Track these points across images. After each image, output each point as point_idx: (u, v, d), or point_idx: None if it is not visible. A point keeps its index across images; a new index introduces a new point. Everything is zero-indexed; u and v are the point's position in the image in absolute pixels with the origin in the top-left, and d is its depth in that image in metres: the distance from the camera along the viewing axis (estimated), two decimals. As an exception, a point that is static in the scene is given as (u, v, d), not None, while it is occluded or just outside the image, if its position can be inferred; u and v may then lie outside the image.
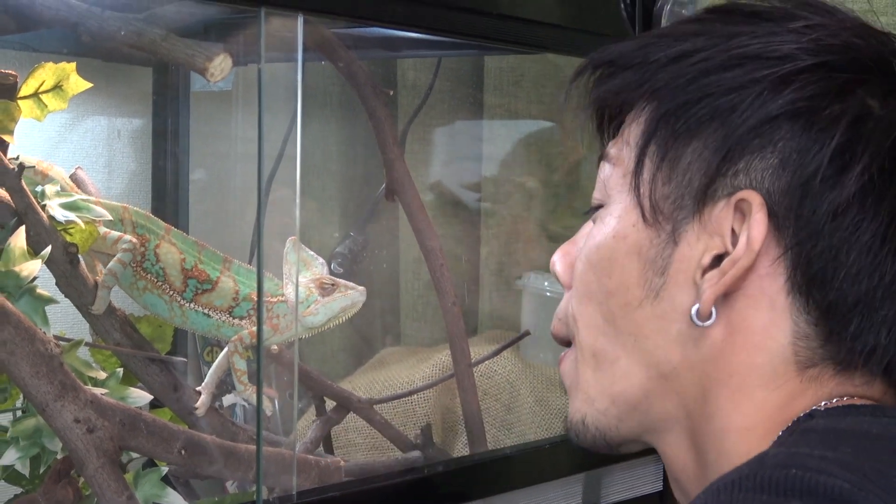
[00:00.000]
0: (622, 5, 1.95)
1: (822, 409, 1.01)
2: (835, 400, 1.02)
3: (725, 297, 1.04)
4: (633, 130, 1.12)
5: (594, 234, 1.14)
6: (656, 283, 1.07)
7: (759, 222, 1.01)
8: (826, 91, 1.02)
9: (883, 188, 1.00)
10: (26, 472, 1.49)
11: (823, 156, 1.00)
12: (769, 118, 1.02)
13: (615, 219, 1.11)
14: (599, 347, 1.12)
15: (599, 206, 1.15)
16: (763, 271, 1.03)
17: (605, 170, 1.15)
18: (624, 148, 1.13)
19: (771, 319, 1.03)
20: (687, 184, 1.05)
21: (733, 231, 1.03)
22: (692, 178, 1.05)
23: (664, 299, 1.07)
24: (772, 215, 1.01)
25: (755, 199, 1.01)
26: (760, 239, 1.01)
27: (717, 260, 1.04)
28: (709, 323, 1.04)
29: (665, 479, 2.11)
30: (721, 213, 1.03)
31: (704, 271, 1.04)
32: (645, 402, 1.10)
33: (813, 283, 1.01)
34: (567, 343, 1.19)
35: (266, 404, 1.62)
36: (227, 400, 1.66)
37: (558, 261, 1.20)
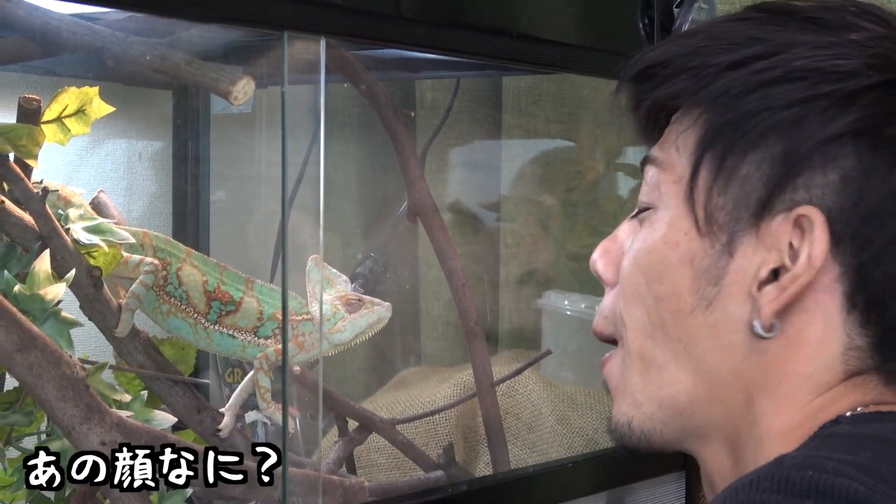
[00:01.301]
0: (640, 25, 1.95)
1: (849, 415, 1.01)
2: (870, 406, 1.02)
3: (783, 310, 1.03)
4: (685, 137, 1.10)
5: (643, 237, 1.13)
6: (709, 293, 1.07)
7: (821, 240, 1.00)
8: (892, 110, 1.01)
9: None
10: (52, 495, 1.49)
11: (888, 180, 1.00)
12: (834, 136, 1.01)
13: (666, 225, 1.10)
14: (647, 351, 1.12)
15: (646, 209, 1.14)
16: (819, 287, 1.02)
17: (653, 174, 1.14)
18: (673, 153, 1.11)
19: (825, 333, 1.03)
20: (745, 196, 1.05)
21: (791, 246, 1.02)
22: (750, 190, 1.04)
23: (717, 309, 1.06)
24: (832, 233, 1.01)
25: (817, 217, 1.00)
26: (822, 257, 1.00)
27: (773, 273, 1.03)
28: (771, 335, 1.04)
29: (687, 498, 2.11)
30: (779, 227, 1.03)
31: (761, 285, 1.03)
32: (689, 408, 1.10)
33: (871, 304, 1.01)
34: (609, 341, 1.18)
35: (289, 423, 1.63)
36: (250, 417, 1.67)
37: (599, 258, 1.19)
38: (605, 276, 1.18)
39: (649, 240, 1.12)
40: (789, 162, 1.02)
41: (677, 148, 1.11)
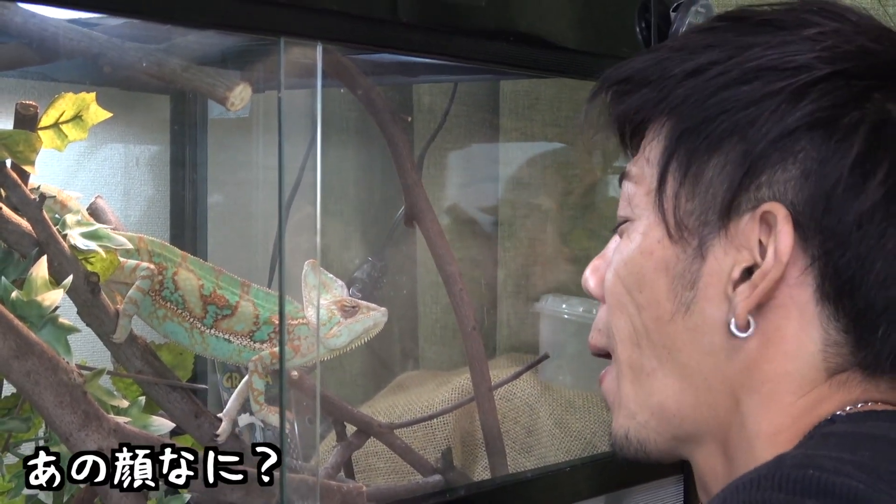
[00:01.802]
0: (638, 29, 1.96)
1: (844, 414, 1.02)
2: (859, 405, 1.03)
3: (758, 308, 1.04)
4: (653, 148, 1.13)
5: (622, 249, 1.15)
6: (686, 297, 1.08)
7: (785, 234, 1.01)
8: (844, 100, 1.03)
9: None
10: (50, 501, 1.49)
11: (844, 165, 1.01)
12: (788, 131, 1.03)
13: (640, 235, 1.12)
14: (635, 360, 1.13)
15: (624, 222, 1.16)
16: (792, 281, 1.03)
17: (628, 188, 1.16)
18: (645, 166, 1.13)
19: (801, 327, 1.04)
20: (711, 199, 1.06)
21: (761, 243, 1.03)
22: (715, 193, 1.06)
23: (695, 312, 1.08)
24: (797, 226, 1.02)
25: (780, 212, 1.02)
26: (788, 251, 1.02)
27: (747, 272, 1.04)
28: (747, 334, 1.05)
29: (685, 501, 2.11)
30: (747, 226, 1.04)
31: (735, 284, 1.05)
32: (679, 414, 1.11)
33: (842, 291, 1.02)
34: (603, 354, 1.20)
35: (278, 422, 1.62)
36: (243, 420, 1.66)
37: (590, 277, 1.21)
38: (597, 292, 1.21)
39: (626, 251, 1.14)
40: (749, 161, 1.04)
41: (647, 160, 1.13)
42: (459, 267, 1.91)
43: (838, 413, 1.02)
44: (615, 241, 1.18)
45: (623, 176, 1.18)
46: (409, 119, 1.89)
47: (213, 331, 1.62)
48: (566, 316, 2.34)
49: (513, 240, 2.49)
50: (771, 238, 1.02)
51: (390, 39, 1.63)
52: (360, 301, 1.65)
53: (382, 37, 1.61)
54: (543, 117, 2.46)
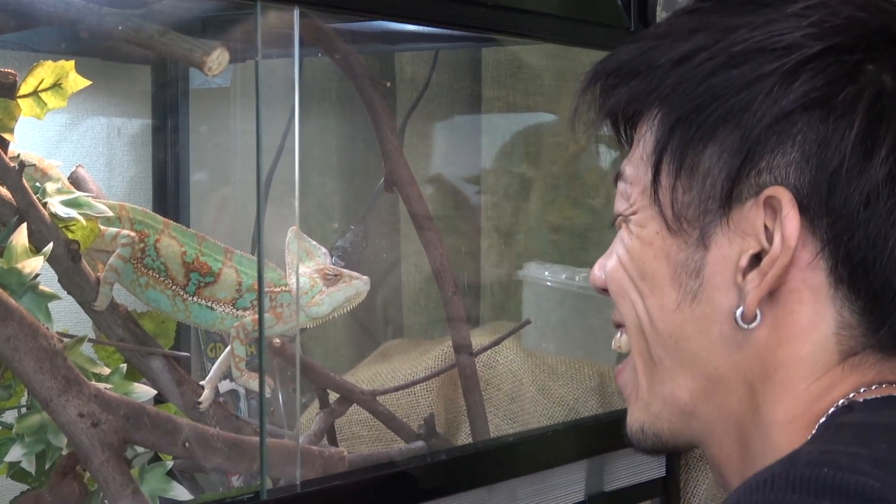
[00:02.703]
0: (619, -6, 1.95)
1: (861, 401, 1.01)
2: (874, 387, 1.02)
3: (769, 295, 1.03)
4: (646, 141, 1.11)
5: (622, 238, 1.14)
6: (692, 286, 1.07)
7: (791, 219, 1.00)
8: (838, 76, 1.01)
9: None
10: (32, 468, 1.49)
11: (845, 145, 0.99)
12: (784, 113, 1.01)
13: (638, 227, 1.11)
14: (643, 349, 1.12)
15: (621, 215, 1.15)
16: (804, 265, 1.02)
17: (624, 187, 1.15)
18: (639, 164, 1.12)
19: (815, 311, 1.03)
20: (710, 189, 1.04)
21: (766, 229, 1.02)
22: (714, 182, 1.04)
23: (703, 302, 1.06)
24: (803, 209, 1.00)
25: (784, 196, 1.00)
26: (795, 235, 1.00)
27: (755, 259, 1.03)
28: (754, 325, 1.04)
29: (667, 465, 2.12)
30: (750, 212, 1.02)
31: (745, 273, 1.03)
32: (691, 404, 1.10)
33: (856, 273, 1.01)
34: None
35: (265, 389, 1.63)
36: (224, 386, 1.67)
37: (598, 273, 1.19)
38: (603, 286, 1.19)
39: (627, 242, 1.13)
40: (746, 148, 1.02)
41: (641, 158, 1.11)
42: (440, 233, 1.91)
43: (854, 398, 1.01)
44: (619, 235, 1.17)
45: (617, 176, 1.16)
46: (389, 84, 1.88)
47: (195, 298, 1.62)
48: (549, 283, 2.34)
49: (495, 208, 2.49)
50: (777, 223, 1.01)
51: (369, 4, 1.63)
52: (342, 269, 1.65)
53: (361, 1, 1.61)
54: (526, 85, 2.46)
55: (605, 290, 1.18)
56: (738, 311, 1.04)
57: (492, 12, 1.79)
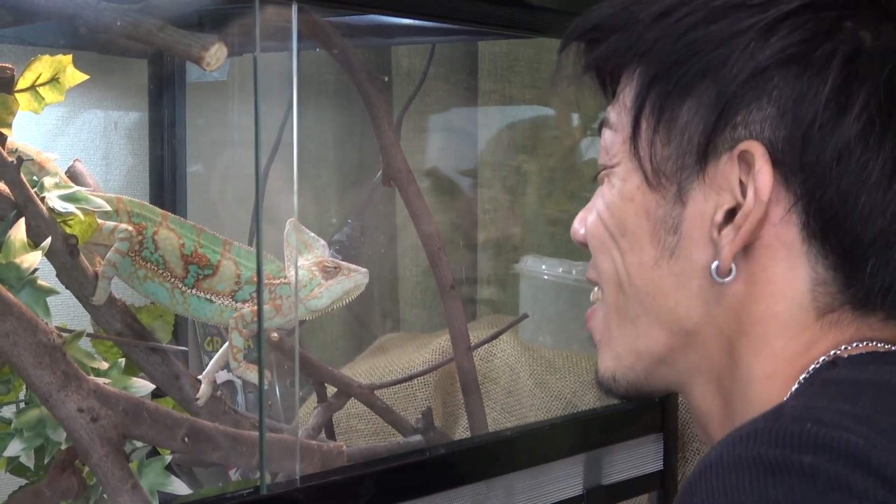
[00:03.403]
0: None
1: (845, 356, 1.01)
2: (855, 344, 1.03)
3: (744, 250, 1.04)
4: (625, 94, 1.11)
5: (604, 194, 1.14)
6: (670, 242, 1.08)
7: (764, 173, 1.01)
8: (815, 32, 1.01)
9: (884, 125, 1.00)
10: (31, 463, 1.49)
11: (819, 101, 0.99)
12: (760, 69, 1.01)
13: (620, 181, 1.11)
14: (621, 304, 1.13)
15: (605, 168, 1.15)
16: (777, 220, 1.02)
17: (607, 135, 1.15)
18: (622, 112, 1.12)
19: (789, 267, 1.03)
20: (687, 143, 1.05)
21: (741, 183, 1.02)
22: (691, 136, 1.05)
23: (681, 258, 1.07)
24: (777, 164, 1.01)
25: (757, 150, 1.01)
26: (768, 189, 1.01)
27: (731, 214, 1.03)
28: (729, 279, 1.04)
29: (665, 459, 2.12)
30: (725, 167, 1.03)
31: (720, 227, 1.04)
32: (670, 357, 1.11)
33: (827, 228, 1.01)
34: None
35: (256, 379, 1.62)
36: (221, 377, 1.66)
37: (578, 226, 1.20)
38: (584, 240, 1.19)
39: (608, 196, 1.13)
40: (723, 102, 1.02)
41: (624, 106, 1.12)
42: (437, 226, 1.91)
43: (838, 353, 1.02)
44: (599, 189, 1.18)
45: (602, 123, 1.17)
46: (386, 79, 1.88)
47: (194, 290, 1.61)
48: (546, 277, 2.34)
49: (492, 201, 2.50)
50: (750, 177, 1.01)
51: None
52: (341, 262, 1.65)
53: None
54: (522, 79, 2.47)
55: (585, 245, 1.19)
56: (714, 266, 1.04)
57: (490, 6, 1.78)
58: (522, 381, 2.24)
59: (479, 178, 2.50)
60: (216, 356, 1.66)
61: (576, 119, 2.57)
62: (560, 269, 2.30)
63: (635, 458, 2.09)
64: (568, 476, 1.96)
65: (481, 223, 2.48)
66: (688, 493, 0.88)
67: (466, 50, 2.49)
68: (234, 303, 1.62)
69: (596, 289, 1.20)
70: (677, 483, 2.14)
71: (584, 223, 1.18)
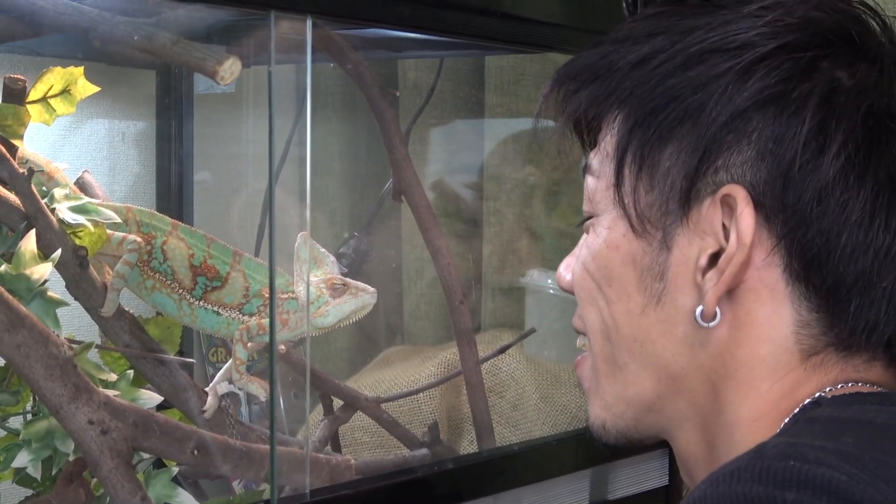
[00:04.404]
0: (624, 4, 1.95)
1: (829, 396, 1.01)
2: (840, 386, 1.03)
3: (728, 294, 1.04)
4: (607, 142, 1.11)
5: (589, 244, 1.14)
6: (656, 289, 1.07)
7: (746, 216, 1.01)
8: (791, 73, 1.01)
9: (863, 163, 1.00)
10: (38, 474, 1.49)
11: (798, 141, 1.00)
12: (739, 111, 1.02)
13: (606, 229, 1.11)
14: (608, 353, 1.13)
15: (590, 217, 1.15)
16: (760, 263, 1.02)
17: (590, 182, 1.15)
18: (604, 160, 1.12)
19: (773, 310, 1.03)
20: (669, 188, 1.05)
21: (724, 227, 1.02)
22: (673, 182, 1.05)
23: (667, 304, 1.07)
24: (759, 207, 1.01)
25: (739, 193, 1.01)
26: (750, 232, 1.01)
27: (714, 258, 1.03)
28: (713, 324, 1.04)
29: (671, 474, 2.12)
30: (708, 211, 1.03)
31: (704, 272, 1.04)
32: (658, 403, 1.11)
33: (810, 268, 1.01)
34: None
35: (259, 391, 1.62)
36: (222, 388, 1.65)
37: (564, 273, 1.20)
38: (570, 287, 1.19)
39: (594, 246, 1.13)
40: (703, 147, 1.03)
41: (606, 154, 1.11)
42: (448, 242, 1.92)
43: (822, 395, 1.02)
44: (584, 237, 1.17)
45: (585, 169, 1.16)
46: (398, 94, 1.88)
47: (202, 302, 1.61)
48: (551, 290, 2.34)
49: (498, 215, 2.49)
50: (732, 221, 1.01)
51: (380, 14, 1.63)
52: (349, 280, 1.64)
53: (372, 11, 1.61)
54: (528, 93, 2.46)
55: (571, 292, 1.19)
56: (698, 310, 1.04)
57: (500, 22, 1.79)
58: (528, 395, 2.24)
59: (484, 190, 2.50)
60: (223, 369, 1.65)
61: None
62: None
63: (641, 474, 2.10)
64: (574, 491, 1.97)
65: (486, 236, 2.48)
66: None
67: (473, 64, 2.49)
68: (241, 315, 1.62)
69: (582, 336, 1.20)
70: (682, 499, 2.14)
71: (570, 269, 1.19)
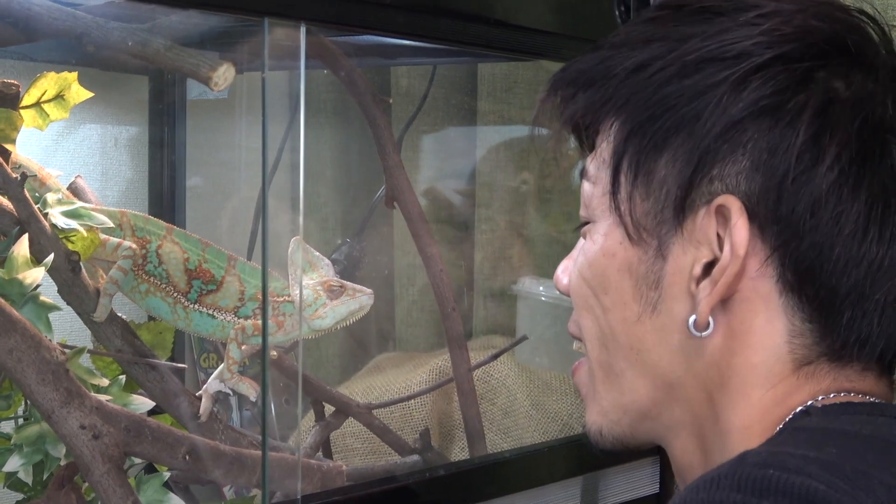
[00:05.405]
0: (617, 12, 1.96)
1: (819, 406, 1.02)
2: (832, 395, 1.03)
3: (722, 303, 1.04)
4: (605, 148, 1.11)
5: (585, 250, 1.14)
6: (652, 297, 1.08)
7: (740, 227, 1.01)
8: (787, 84, 1.01)
9: (857, 176, 1.00)
10: (29, 478, 1.49)
11: (792, 153, 1.00)
12: (734, 122, 1.02)
13: (602, 236, 1.11)
14: (604, 360, 1.13)
15: (587, 222, 1.15)
16: (754, 273, 1.03)
17: (586, 188, 1.15)
18: (601, 166, 1.12)
19: (767, 319, 1.04)
20: (665, 197, 1.05)
21: (719, 237, 1.03)
22: (669, 191, 1.05)
23: (662, 312, 1.08)
24: (753, 217, 1.01)
25: (733, 204, 1.01)
26: (744, 243, 1.01)
27: (709, 268, 1.04)
28: (707, 333, 1.05)
29: (661, 482, 2.12)
30: (703, 221, 1.03)
31: (698, 281, 1.04)
32: (654, 411, 1.11)
33: (803, 280, 1.02)
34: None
35: (249, 391, 1.62)
36: (213, 386, 1.65)
37: (561, 276, 1.20)
38: (566, 291, 1.19)
39: (590, 252, 1.13)
40: (698, 156, 1.03)
41: (603, 160, 1.12)
42: (440, 249, 1.92)
43: (812, 404, 1.02)
44: (581, 242, 1.18)
45: (582, 173, 1.17)
46: (391, 101, 1.88)
47: (196, 306, 1.61)
48: (543, 298, 2.34)
49: (490, 222, 2.50)
50: (727, 231, 1.02)
51: (374, 21, 1.63)
52: (346, 282, 1.64)
53: (366, 18, 1.61)
54: (521, 100, 2.47)
55: (568, 294, 1.19)
56: (692, 320, 1.05)
57: (493, 29, 1.79)
58: (519, 403, 2.24)
59: (476, 198, 2.50)
60: (216, 372, 1.65)
61: (573, 141, 2.57)
62: (557, 291, 2.30)
63: (632, 481, 2.10)
64: (565, 498, 1.97)
65: (478, 243, 2.48)
66: None
67: (466, 71, 2.49)
68: (236, 319, 1.62)
69: (578, 341, 1.21)
70: (670, 506, 2.15)
71: (567, 272, 1.19)
